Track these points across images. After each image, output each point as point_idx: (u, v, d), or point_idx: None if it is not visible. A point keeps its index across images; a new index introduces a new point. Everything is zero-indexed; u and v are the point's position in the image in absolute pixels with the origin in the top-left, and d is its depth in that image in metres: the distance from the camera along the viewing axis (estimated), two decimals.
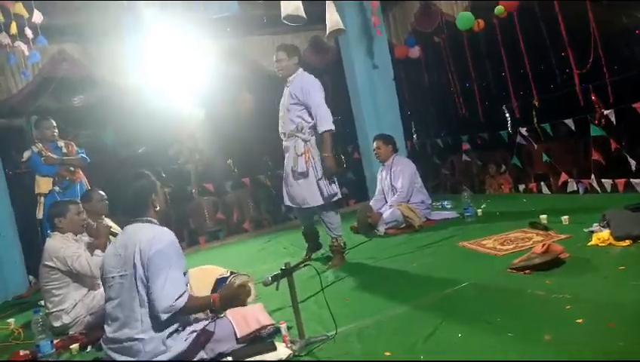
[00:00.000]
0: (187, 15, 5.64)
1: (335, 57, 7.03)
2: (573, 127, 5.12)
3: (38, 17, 4.11)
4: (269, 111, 4.52)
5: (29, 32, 4.20)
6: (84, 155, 4.87)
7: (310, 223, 4.13)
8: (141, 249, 2.14)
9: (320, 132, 3.64)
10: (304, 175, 3.70)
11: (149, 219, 2.29)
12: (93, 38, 5.58)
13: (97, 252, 3.27)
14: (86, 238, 3.67)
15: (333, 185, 3.76)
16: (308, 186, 3.70)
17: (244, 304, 2.47)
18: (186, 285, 2.23)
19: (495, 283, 2.76)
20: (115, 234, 3.39)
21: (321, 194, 3.69)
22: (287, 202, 3.99)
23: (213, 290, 2.86)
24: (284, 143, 3.88)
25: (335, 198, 3.81)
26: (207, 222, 6.79)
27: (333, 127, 3.64)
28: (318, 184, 3.69)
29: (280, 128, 3.91)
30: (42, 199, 4.62)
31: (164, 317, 2.10)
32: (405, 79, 7.51)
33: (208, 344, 2.25)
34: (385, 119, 6.55)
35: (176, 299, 2.10)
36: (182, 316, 2.28)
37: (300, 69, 3.82)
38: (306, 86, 3.68)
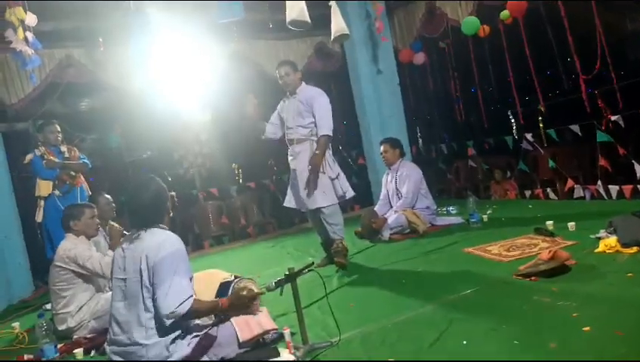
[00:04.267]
0: (193, 19, 5.68)
1: (340, 63, 7.04)
2: (579, 133, 5.09)
3: (32, 20, 4.09)
4: None
5: (29, 36, 4.21)
6: (85, 161, 4.90)
7: (327, 231, 4.04)
8: (148, 255, 2.16)
9: (318, 135, 3.83)
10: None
11: (159, 224, 2.31)
12: (99, 43, 5.62)
13: (109, 252, 3.34)
14: (102, 241, 3.70)
15: (346, 183, 3.97)
16: (322, 186, 3.83)
17: (252, 313, 2.45)
18: (192, 290, 2.23)
19: (500, 290, 2.74)
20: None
21: (335, 193, 3.88)
22: (292, 205, 4.04)
23: (217, 294, 2.85)
24: (294, 149, 3.95)
25: (348, 197, 4.00)
26: (211, 227, 6.79)
27: (331, 134, 3.87)
28: (332, 183, 3.87)
29: (289, 135, 3.99)
30: (42, 202, 4.63)
31: (167, 322, 2.10)
32: (410, 84, 7.51)
33: (211, 348, 2.24)
34: (390, 124, 6.55)
35: (179, 306, 2.09)
36: (186, 321, 2.28)
37: (304, 82, 4.01)
38: (315, 93, 3.93)
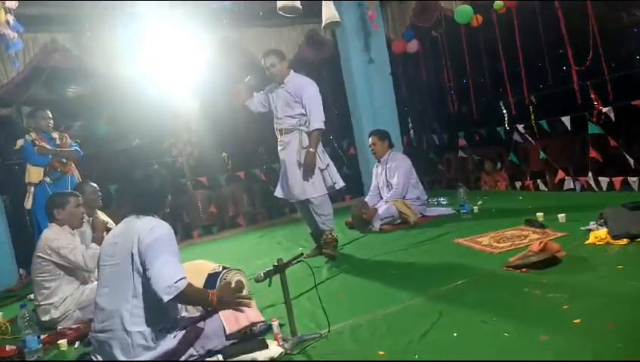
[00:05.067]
0: (182, 5, 5.55)
1: (331, 51, 6.94)
2: (570, 125, 5.09)
3: (13, 4, 3.96)
4: None
5: (10, 19, 4.08)
6: (77, 148, 4.83)
7: (316, 222, 4.01)
8: (140, 238, 2.13)
9: (310, 129, 3.78)
10: None
11: (153, 214, 2.28)
12: (85, 28, 5.47)
13: (93, 245, 3.26)
14: (88, 231, 3.63)
15: (336, 174, 3.94)
16: (312, 177, 3.78)
17: (239, 310, 2.40)
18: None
19: (491, 282, 2.73)
20: (109, 230, 3.38)
21: (325, 183, 3.85)
22: (282, 195, 4.02)
23: (205, 286, 2.81)
24: (283, 139, 3.89)
25: (338, 187, 3.98)
26: (200, 216, 6.72)
27: (323, 127, 3.82)
28: (322, 174, 3.84)
29: (277, 125, 3.93)
30: (32, 189, 4.57)
31: (166, 299, 2.05)
32: (402, 74, 7.45)
33: (198, 341, 2.20)
34: (381, 114, 6.49)
35: (177, 281, 2.07)
36: (175, 310, 2.26)
37: (292, 71, 3.93)
38: (304, 83, 3.85)
